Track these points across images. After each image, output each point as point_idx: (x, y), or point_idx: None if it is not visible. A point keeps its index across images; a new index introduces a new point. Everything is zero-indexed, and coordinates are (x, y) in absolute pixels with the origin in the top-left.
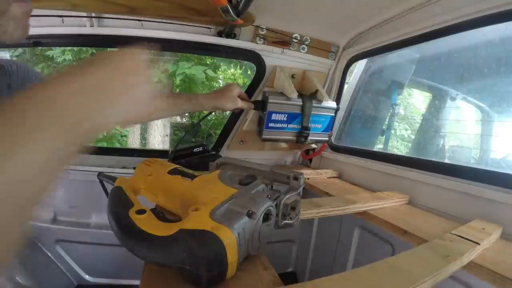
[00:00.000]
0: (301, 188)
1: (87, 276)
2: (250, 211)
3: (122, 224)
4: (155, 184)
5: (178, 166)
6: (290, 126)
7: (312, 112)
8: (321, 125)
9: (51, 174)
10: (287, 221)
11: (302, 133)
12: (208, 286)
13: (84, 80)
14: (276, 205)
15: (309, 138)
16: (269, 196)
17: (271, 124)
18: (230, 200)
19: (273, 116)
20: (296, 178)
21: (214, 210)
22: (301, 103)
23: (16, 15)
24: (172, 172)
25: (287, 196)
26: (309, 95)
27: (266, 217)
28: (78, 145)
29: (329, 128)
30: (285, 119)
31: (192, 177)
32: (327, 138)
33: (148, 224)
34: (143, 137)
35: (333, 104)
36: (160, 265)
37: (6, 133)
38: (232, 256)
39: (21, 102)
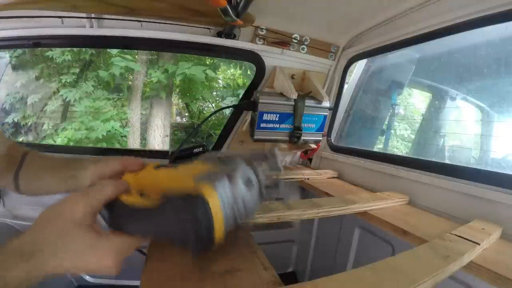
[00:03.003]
0: (278, 162)
1: (87, 276)
2: (230, 174)
3: (111, 206)
4: (144, 180)
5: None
6: (282, 126)
7: (305, 112)
8: (314, 124)
9: None
10: (270, 185)
11: (295, 133)
12: (198, 246)
13: None
14: (256, 175)
15: (302, 138)
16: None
17: (262, 125)
18: (211, 170)
19: (265, 116)
20: (271, 153)
21: (195, 176)
22: (292, 103)
23: None
24: (158, 167)
25: (264, 167)
26: (301, 95)
27: (247, 184)
28: None
29: (322, 127)
30: (277, 119)
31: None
32: (321, 138)
33: (136, 201)
34: (143, 138)
35: (326, 103)
36: (154, 237)
37: None
38: (216, 211)
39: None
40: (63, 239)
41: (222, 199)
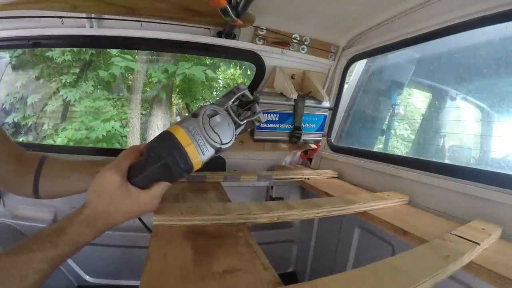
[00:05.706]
0: (244, 92)
1: (87, 277)
2: (194, 113)
3: (130, 167)
4: None
5: None
6: (282, 126)
7: (305, 112)
8: (314, 124)
9: None
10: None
11: (295, 133)
12: (181, 170)
13: None
14: (226, 110)
15: (302, 138)
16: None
17: (263, 125)
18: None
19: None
20: (237, 88)
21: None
22: (293, 103)
23: None
24: None
25: (231, 100)
26: (301, 95)
27: (212, 114)
28: None
29: (322, 127)
30: (277, 119)
31: None
32: (321, 138)
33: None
34: (143, 138)
35: (326, 103)
36: (156, 176)
37: None
38: (183, 138)
39: None
40: (114, 204)
41: (187, 130)
